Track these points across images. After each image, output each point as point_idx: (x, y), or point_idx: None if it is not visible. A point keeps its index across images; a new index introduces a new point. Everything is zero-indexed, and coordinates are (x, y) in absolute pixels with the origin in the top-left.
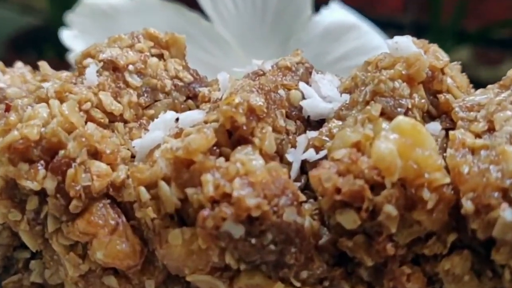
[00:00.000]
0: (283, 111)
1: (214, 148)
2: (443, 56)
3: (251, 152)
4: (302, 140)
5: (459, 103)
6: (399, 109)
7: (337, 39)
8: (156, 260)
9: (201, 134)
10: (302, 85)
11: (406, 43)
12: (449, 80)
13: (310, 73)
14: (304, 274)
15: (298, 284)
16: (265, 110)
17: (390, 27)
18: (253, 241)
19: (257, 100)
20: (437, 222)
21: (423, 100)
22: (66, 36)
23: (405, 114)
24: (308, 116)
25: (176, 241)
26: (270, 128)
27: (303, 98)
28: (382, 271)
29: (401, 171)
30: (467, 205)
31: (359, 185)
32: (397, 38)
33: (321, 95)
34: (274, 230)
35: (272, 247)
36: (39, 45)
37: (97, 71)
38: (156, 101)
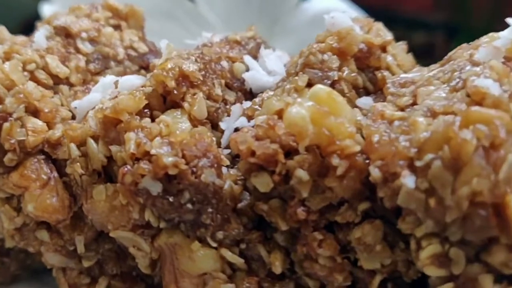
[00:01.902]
0: (223, 81)
1: (146, 110)
2: (386, 35)
3: (179, 115)
4: (236, 109)
5: (393, 79)
6: (326, 81)
7: (324, 28)
8: (86, 216)
9: (130, 96)
10: (247, 58)
11: (342, 19)
12: (389, 58)
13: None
14: (220, 235)
15: (214, 244)
16: (200, 77)
17: (418, 27)
18: (171, 199)
19: (190, 67)
20: (349, 189)
21: (353, 74)
22: (47, 10)
23: (332, 86)
24: (251, 89)
25: (100, 197)
26: (201, 95)
27: (248, 71)
28: (296, 237)
29: (313, 137)
30: (375, 173)
31: (273, 149)
32: (334, 13)
33: (267, 69)
34: (192, 190)
35: (189, 206)
36: None
37: (50, 37)
38: (107, 68)
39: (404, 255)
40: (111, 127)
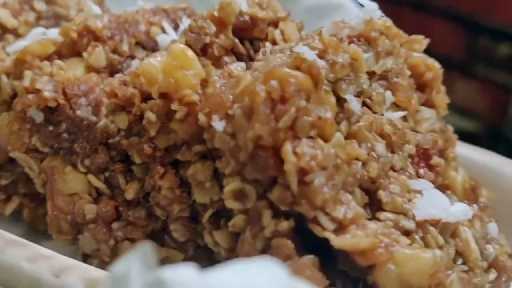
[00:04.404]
0: (133, 40)
1: (55, 56)
2: (281, 13)
3: (77, 62)
4: (134, 63)
5: (266, 48)
6: (199, 45)
7: (321, 17)
8: None
9: (39, 42)
10: (165, 24)
11: None
12: (276, 32)
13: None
14: (87, 162)
15: (83, 170)
16: (108, 34)
17: (505, 38)
18: (51, 127)
19: (96, 23)
20: (188, 132)
21: (229, 41)
22: None
23: (204, 48)
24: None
25: (3, 122)
26: (103, 47)
27: None
28: (148, 170)
29: (162, 85)
30: (202, 118)
31: (131, 92)
32: None
33: None
34: (68, 122)
35: (65, 135)
36: None
37: None
38: (57, 26)
39: None
40: (20, 66)
